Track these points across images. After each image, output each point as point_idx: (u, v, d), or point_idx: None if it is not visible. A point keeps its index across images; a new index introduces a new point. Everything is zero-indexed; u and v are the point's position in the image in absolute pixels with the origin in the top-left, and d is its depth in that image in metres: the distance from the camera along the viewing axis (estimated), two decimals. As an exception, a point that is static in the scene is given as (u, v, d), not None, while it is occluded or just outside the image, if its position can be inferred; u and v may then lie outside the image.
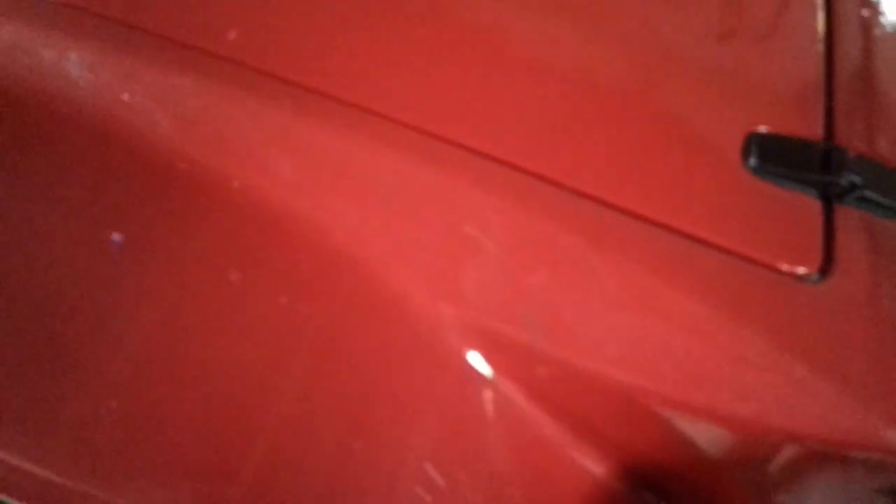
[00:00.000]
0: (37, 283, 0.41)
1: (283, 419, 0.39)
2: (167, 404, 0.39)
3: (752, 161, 0.39)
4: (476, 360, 0.38)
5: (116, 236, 0.41)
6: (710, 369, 0.35)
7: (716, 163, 0.40)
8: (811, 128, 0.41)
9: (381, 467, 0.38)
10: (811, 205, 0.39)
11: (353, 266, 0.40)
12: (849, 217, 0.39)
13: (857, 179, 0.38)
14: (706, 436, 0.38)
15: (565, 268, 0.37)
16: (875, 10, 0.50)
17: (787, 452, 0.36)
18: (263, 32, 0.43)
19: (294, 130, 0.40)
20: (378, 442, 0.39)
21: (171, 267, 0.41)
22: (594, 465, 0.38)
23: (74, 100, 0.42)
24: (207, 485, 0.38)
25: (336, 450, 0.39)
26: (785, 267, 0.36)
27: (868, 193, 0.38)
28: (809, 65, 0.45)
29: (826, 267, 0.37)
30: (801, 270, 0.36)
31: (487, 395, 0.38)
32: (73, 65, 0.41)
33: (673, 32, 0.47)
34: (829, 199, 0.39)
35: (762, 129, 0.41)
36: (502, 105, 0.42)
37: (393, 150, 0.40)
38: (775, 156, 0.39)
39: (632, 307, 0.36)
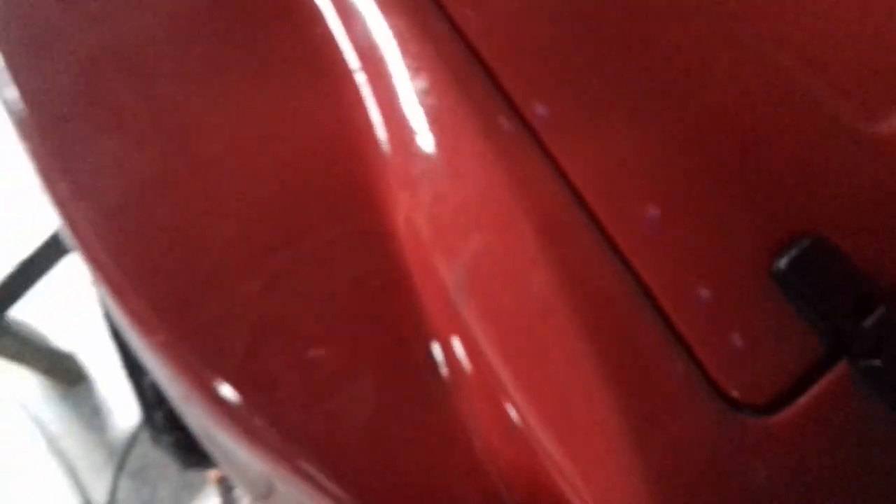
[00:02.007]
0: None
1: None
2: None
3: (781, 263, 0.33)
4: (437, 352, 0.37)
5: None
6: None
7: (741, 248, 0.34)
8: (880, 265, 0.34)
9: None
10: (812, 342, 0.33)
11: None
12: (845, 379, 0.32)
13: (886, 348, 0.32)
14: None
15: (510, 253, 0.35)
16: None
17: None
18: None
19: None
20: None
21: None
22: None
23: None
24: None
25: None
26: (726, 384, 0.32)
27: (888, 371, 0.32)
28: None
29: (771, 408, 0.32)
30: (747, 397, 0.32)
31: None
32: None
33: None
34: (839, 348, 0.33)
35: (819, 230, 0.34)
36: None
37: None
38: (811, 272, 0.33)
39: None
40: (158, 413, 0.52)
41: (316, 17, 0.42)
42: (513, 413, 0.34)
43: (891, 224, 0.35)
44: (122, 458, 1.33)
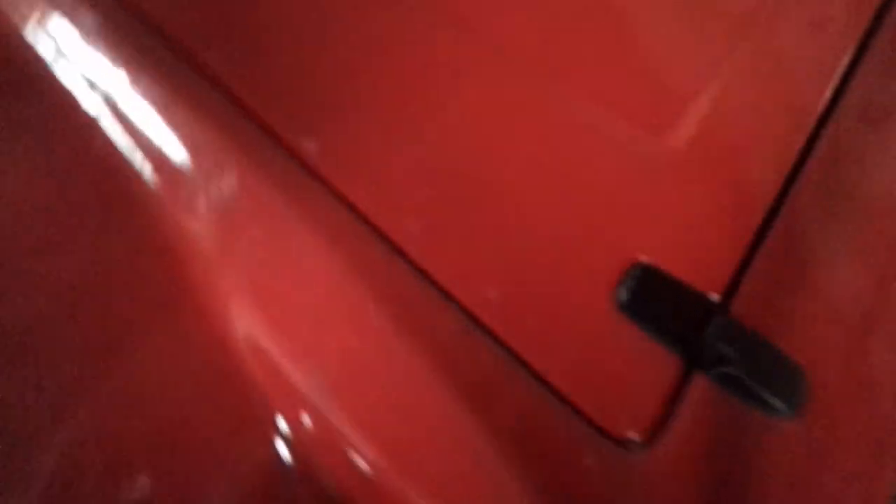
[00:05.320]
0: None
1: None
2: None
3: (622, 294, 0.34)
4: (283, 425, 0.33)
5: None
6: None
7: (582, 287, 0.34)
8: (711, 277, 0.36)
9: None
10: (670, 363, 0.33)
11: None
12: (705, 390, 0.33)
13: (728, 352, 0.33)
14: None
15: (367, 342, 0.32)
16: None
17: None
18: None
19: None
20: None
21: None
22: None
23: None
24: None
25: None
26: (609, 426, 0.31)
27: (735, 372, 0.33)
28: (745, 209, 0.39)
29: (653, 438, 0.31)
30: (631, 434, 0.31)
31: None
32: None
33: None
34: (692, 362, 0.34)
35: (648, 259, 0.35)
36: None
37: None
38: (651, 297, 0.34)
39: (414, 412, 0.31)
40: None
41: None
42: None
43: (702, 235, 0.37)
44: None
